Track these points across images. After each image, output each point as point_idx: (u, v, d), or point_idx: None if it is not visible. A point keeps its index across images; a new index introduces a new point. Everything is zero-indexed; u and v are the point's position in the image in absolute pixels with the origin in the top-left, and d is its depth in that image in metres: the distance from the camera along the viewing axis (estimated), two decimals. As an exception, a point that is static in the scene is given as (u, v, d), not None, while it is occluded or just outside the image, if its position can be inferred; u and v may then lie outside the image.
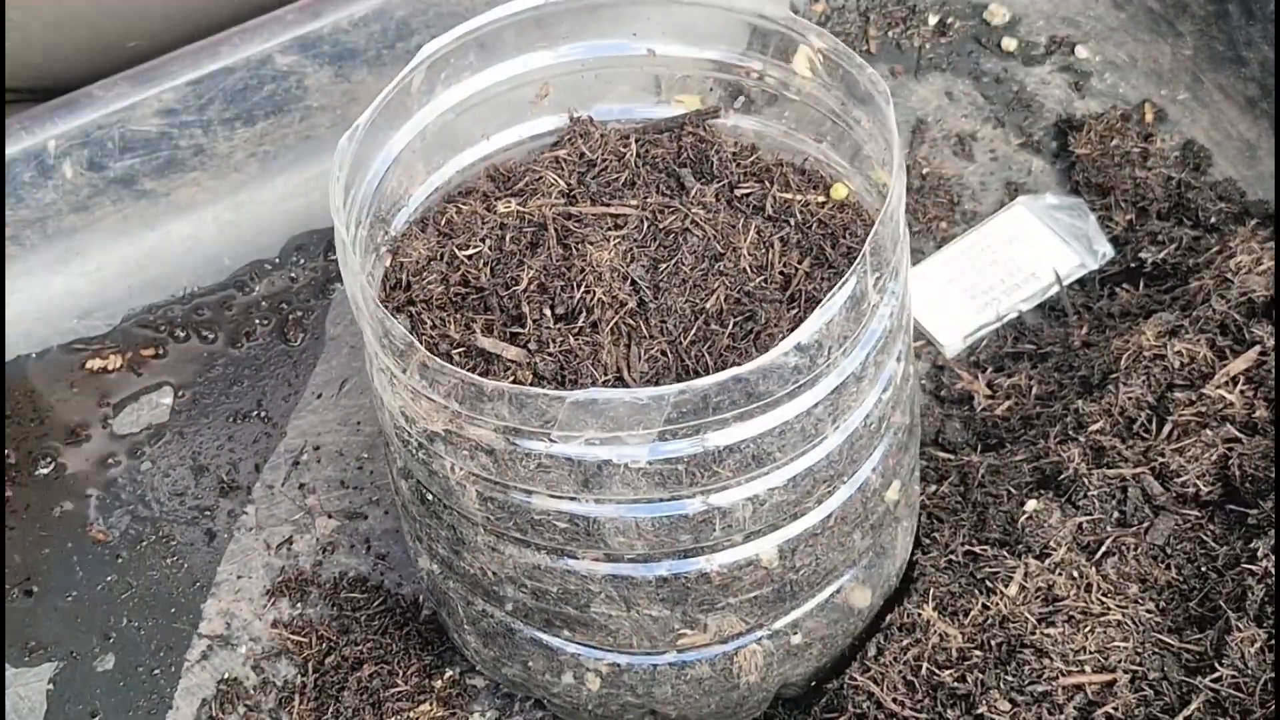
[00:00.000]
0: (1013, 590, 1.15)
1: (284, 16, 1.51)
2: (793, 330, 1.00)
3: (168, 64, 1.49)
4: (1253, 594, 1.11)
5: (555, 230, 1.09)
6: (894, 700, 1.13)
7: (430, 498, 1.09)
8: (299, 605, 1.32)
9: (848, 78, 1.12)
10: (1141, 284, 1.42)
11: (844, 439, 1.04)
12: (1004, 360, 1.41)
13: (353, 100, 1.55)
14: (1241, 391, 1.22)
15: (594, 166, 1.15)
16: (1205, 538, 1.17)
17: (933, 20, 1.65)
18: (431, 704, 1.24)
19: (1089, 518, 1.19)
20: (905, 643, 1.16)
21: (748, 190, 1.13)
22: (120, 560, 1.35)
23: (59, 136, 1.46)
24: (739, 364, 0.97)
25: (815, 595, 1.14)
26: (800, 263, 1.08)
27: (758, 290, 1.06)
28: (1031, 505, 1.20)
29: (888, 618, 1.19)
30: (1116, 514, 1.19)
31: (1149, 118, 1.55)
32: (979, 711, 1.10)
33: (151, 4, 1.57)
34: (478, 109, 1.18)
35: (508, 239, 1.10)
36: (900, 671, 1.14)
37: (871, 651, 1.18)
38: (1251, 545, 1.14)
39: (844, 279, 0.98)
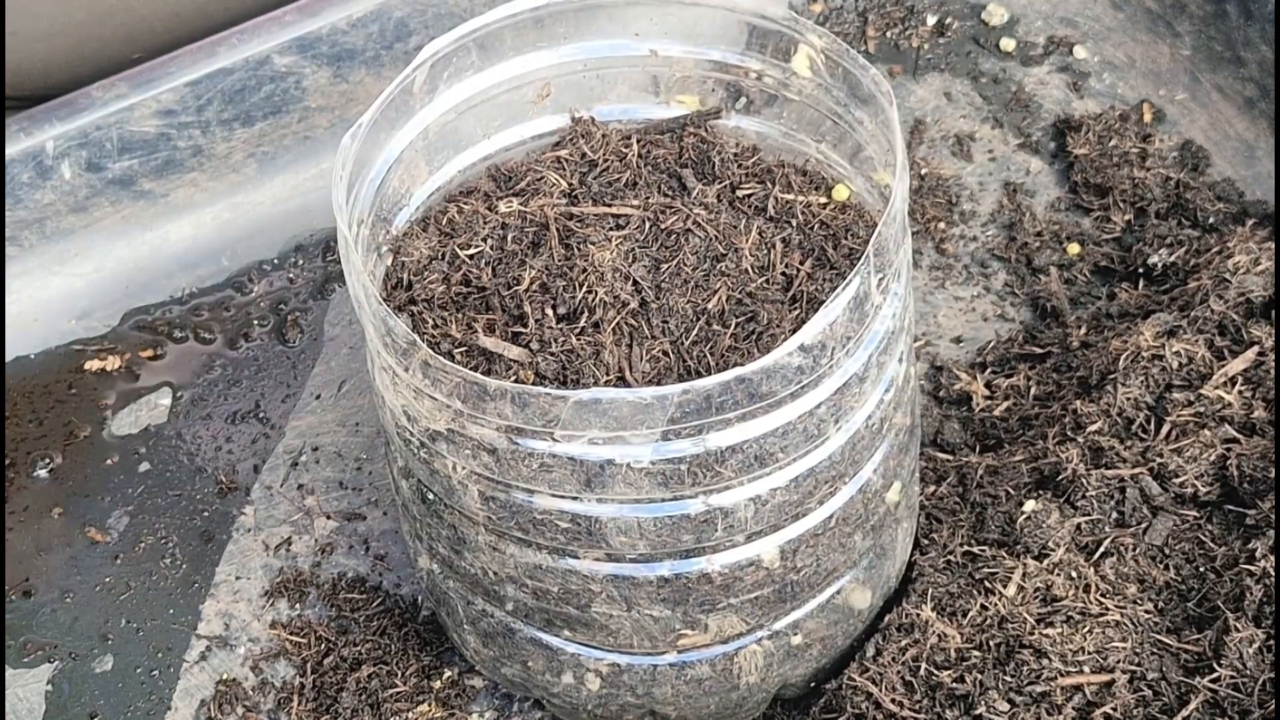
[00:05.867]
0: (1011, 590, 1.15)
1: (282, 17, 1.51)
2: (795, 331, 1.00)
3: (166, 65, 1.49)
4: (1251, 594, 1.11)
5: (557, 230, 1.09)
6: (892, 701, 1.13)
7: (431, 497, 1.09)
8: (297, 606, 1.32)
9: (850, 78, 1.12)
10: (1140, 284, 1.43)
11: (846, 439, 1.05)
12: (1002, 361, 1.41)
13: (351, 101, 1.54)
14: (1240, 392, 1.22)
15: (595, 166, 1.15)
16: (1204, 538, 1.17)
17: (931, 20, 1.65)
18: (430, 704, 1.24)
19: (1087, 518, 1.19)
20: (904, 643, 1.16)
21: (749, 191, 1.13)
22: (118, 561, 1.35)
23: (57, 137, 1.46)
24: (741, 364, 0.97)
25: (816, 596, 1.14)
26: (802, 264, 1.09)
27: (759, 291, 1.06)
28: (1030, 506, 1.20)
29: (886, 618, 1.19)
30: (1115, 514, 1.19)
31: (1147, 118, 1.56)
32: (977, 712, 1.10)
33: (154, 13, 1.57)
34: (479, 109, 1.18)
35: (509, 239, 1.10)
36: (899, 672, 1.14)
37: (870, 652, 1.18)
38: (1250, 545, 1.14)
39: (848, 279, 0.98)
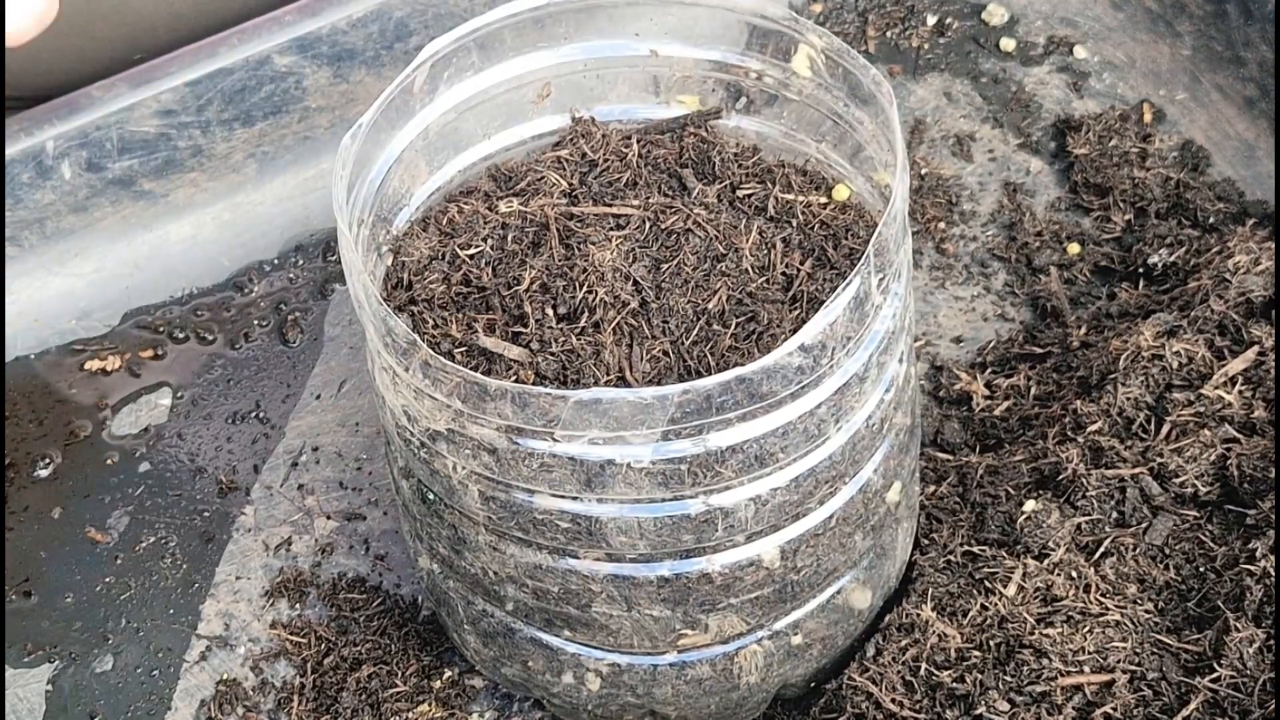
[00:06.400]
0: (1011, 590, 1.15)
1: (282, 17, 1.51)
2: (795, 331, 1.00)
3: (166, 65, 1.49)
4: (1251, 594, 1.11)
5: (557, 230, 1.09)
6: (893, 700, 1.13)
7: (432, 497, 1.09)
8: (298, 606, 1.32)
9: (850, 78, 1.12)
10: (1140, 284, 1.43)
11: (846, 439, 1.05)
12: (1002, 361, 1.41)
13: (351, 101, 1.54)
14: (1240, 392, 1.22)
15: (596, 166, 1.15)
16: (1204, 538, 1.17)
17: (931, 20, 1.65)
18: (430, 704, 1.24)
19: (1087, 518, 1.19)
20: (904, 643, 1.16)
21: (750, 191, 1.13)
22: (119, 561, 1.35)
23: (57, 137, 1.46)
24: (741, 364, 0.97)
25: (816, 596, 1.14)
26: (802, 264, 1.09)
27: (760, 291, 1.06)
28: (1030, 506, 1.20)
29: (886, 618, 1.19)
30: (1115, 514, 1.19)
31: (1147, 118, 1.56)
32: (978, 712, 1.10)
33: (154, 13, 1.57)
34: (479, 109, 1.18)
35: (509, 238, 1.10)
36: (899, 672, 1.14)
37: (870, 652, 1.18)
38: (1250, 545, 1.14)
39: (848, 279, 0.98)
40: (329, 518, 1.37)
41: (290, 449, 1.41)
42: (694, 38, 1.18)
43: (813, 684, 1.22)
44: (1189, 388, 1.24)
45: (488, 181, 1.18)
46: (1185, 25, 1.58)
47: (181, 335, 1.49)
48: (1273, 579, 1.11)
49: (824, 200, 1.14)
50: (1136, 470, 1.20)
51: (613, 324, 1.04)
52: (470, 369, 1.03)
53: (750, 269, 1.07)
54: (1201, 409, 1.22)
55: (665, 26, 1.18)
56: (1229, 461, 1.18)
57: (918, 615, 1.16)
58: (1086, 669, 1.10)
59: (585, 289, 1.05)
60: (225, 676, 1.28)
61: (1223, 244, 1.37)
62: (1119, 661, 1.10)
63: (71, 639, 1.31)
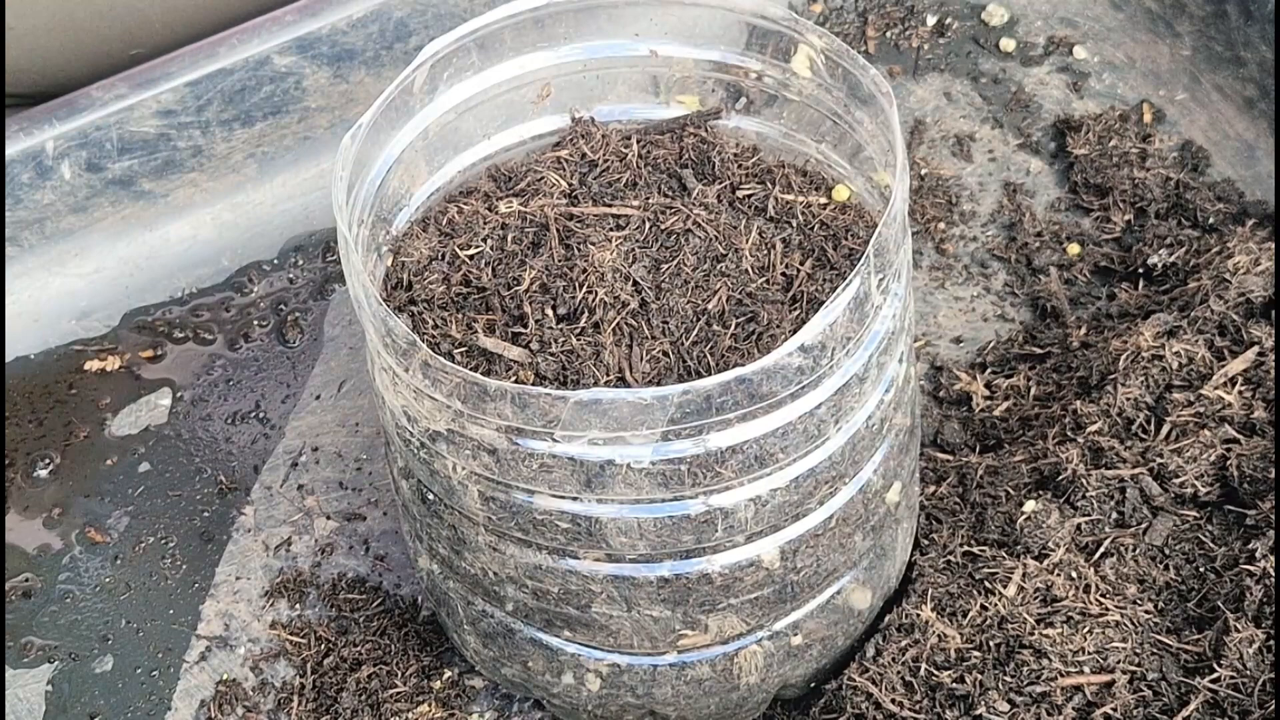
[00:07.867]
0: (1011, 591, 1.15)
1: (282, 17, 1.51)
2: (795, 331, 1.00)
3: (166, 65, 1.49)
4: (1251, 594, 1.11)
5: (557, 230, 1.09)
6: (892, 701, 1.13)
7: (431, 497, 1.09)
8: (297, 606, 1.32)
9: (850, 78, 1.12)
10: (1140, 284, 1.43)
11: (846, 440, 1.04)
12: (1002, 361, 1.41)
13: (351, 101, 1.54)
14: (1240, 392, 1.22)
15: (595, 167, 1.15)
16: (1204, 538, 1.17)
17: (931, 20, 1.65)
18: (430, 705, 1.24)
19: (1087, 518, 1.19)
20: (904, 643, 1.16)
21: (749, 191, 1.13)
22: (118, 561, 1.35)
23: (57, 137, 1.46)
24: (741, 365, 0.97)
25: (816, 596, 1.14)
26: (802, 264, 1.09)
27: (760, 291, 1.06)
28: (1030, 506, 1.20)
29: (886, 618, 1.19)
30: (1115, 515, 1.19)
31: (1147, 118, 1.56)
32: (978, 712, 1.10)
33: (152, 10, 1.57)
34: (479, 109, 1.18)
35: (509, 239, 1.10)
36: (899, 672, 1.14)
37: (870, 652, 1.18)
38: (1250, 546, 1.14)
39: (848, 280, 0.98)
40: (329, 518, 1.37)
41: (290, 449, 1.41)
42: (694, 38, 1.18)
43: (813, 684, 1.22)
44: (1189, 388, 1.24)
45: (488, 182, 1.18)
46: (1185, 25, 1.58)
47: (181, 335, 1.49)
48: (1273, 579, 1.11)
49: (824, 200, 1.14)
50: (1136, 470, 1.20)
51: (613, 324, 1.04)
52: (470, 369, 1.03)
53: (750, 269, 1.07)
54: (1201, 409, 1.22)
55: (665, 26, 1.18)
56: (1229, 462, 1.18)
57: (918, 615, 1.16)
58: (1086, 669, 1.10)
59: (585, 289, 1.05)
60: (225, 676, 1.28)
61: (1223, 244, 1.37)
62: (1119, 662, 1.10)
63: (71, 639, 1.31)
